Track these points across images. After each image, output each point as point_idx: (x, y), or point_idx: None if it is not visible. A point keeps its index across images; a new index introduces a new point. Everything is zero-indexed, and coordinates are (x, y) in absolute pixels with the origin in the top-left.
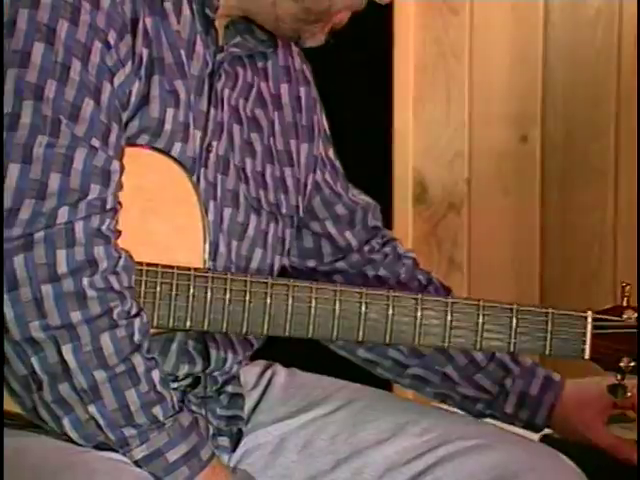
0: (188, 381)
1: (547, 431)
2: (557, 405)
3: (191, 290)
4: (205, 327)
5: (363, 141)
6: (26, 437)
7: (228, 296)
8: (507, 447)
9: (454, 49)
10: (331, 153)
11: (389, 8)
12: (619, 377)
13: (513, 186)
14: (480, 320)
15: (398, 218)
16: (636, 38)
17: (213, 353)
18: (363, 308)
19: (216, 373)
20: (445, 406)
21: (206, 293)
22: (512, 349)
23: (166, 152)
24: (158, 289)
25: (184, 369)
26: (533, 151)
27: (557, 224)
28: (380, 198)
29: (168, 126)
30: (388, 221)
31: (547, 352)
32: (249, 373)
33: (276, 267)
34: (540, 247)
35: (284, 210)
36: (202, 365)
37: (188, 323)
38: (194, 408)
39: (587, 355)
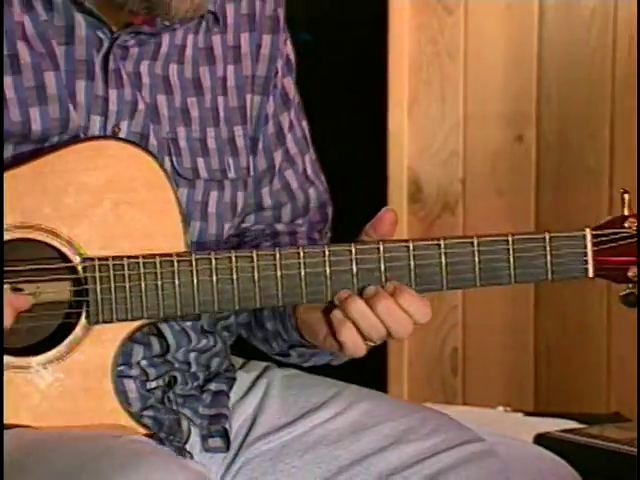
0: (165, 379)
1: (541, 430)
2: (297, 315)
3: (176, 276)
4: (197, 310)
5: (358, 141)
6: (36, 433)
7: (215, 276)
8: (510, 453)
9: (449, 49)
10: (283, 118)
11: (384, 8)
12: (630, 286)
13: (508, 186)
14: (476, 258)
15: None
16: (630, 39)
17: (167, 330)
18: (354, 263)
19: (194, 368)
20: (442, 408)
21: (192, 277)
22: (514, 280)
23: (129, 140)
24: (143, 281)
25: (139, 353)
26: (528, 151)
27: (552, 224)
28: (375, 197)
29: (36, 126)
30: None
31: (550, 277)
32: (242, 378)
33: (226, 234)
34: None
35: (231, 174)
36: (160, 345)
37: (179, 309)
38: (175, 407)
39: (591, 273)
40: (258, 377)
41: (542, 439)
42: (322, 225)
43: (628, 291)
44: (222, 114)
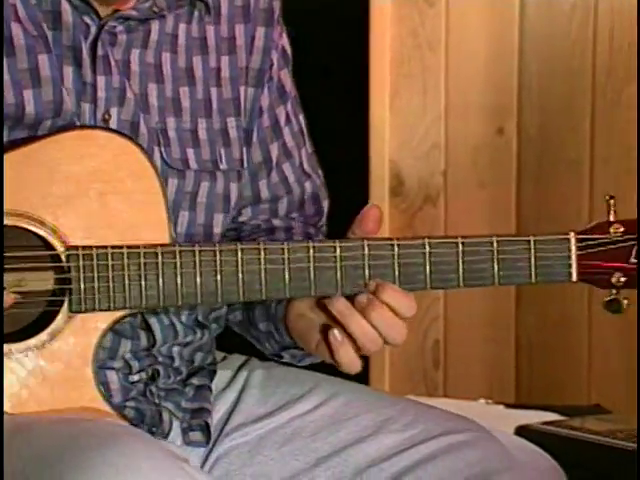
0: (148, 373)
1: (522, 422)
2: (287, 316)
3: (160, 267)
4: (179, 302)
5: (340, 134)
6: (14, 417)
7: (198, 269)
8: (487, 444)
9: (430, 41)
10: (280, 111)
11: (365, 0)
12: (614, 292)
13: (489, 178)
14: (460, 259)
15: None
16: (610, 31)
17: (155, 324)
18: (339, 260)
19: (177, 362)
20: (424, 400)
21: (175, 268)
22: (497, 281)
23: (117, 131)
24: (126, 271)
25: (126, 346)
26: (509, 143)
27: (533, 216)
28: (357, 190)
29: (30, 109)
30: None
31: (533, 280)
32: (223, 371)
33: (218, 227)
34: None
35: (223, 165)
36: (147, 339)
37: (161, 301)
38: (157, 401)
39: (575, 277)
40: (239, 369)
41: (523, 431)
42: (317, 219)
43: (612, 297)
44: (215, 105)
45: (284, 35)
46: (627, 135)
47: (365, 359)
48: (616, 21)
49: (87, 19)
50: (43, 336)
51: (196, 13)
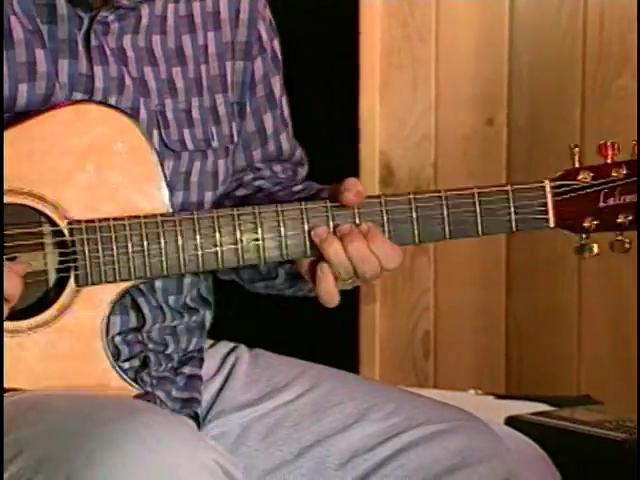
0: (140, 359)
1: (512, 413)
2: None
3: (161, 236)
4: (182, 270)
5: (330, 124)
6: (34, 393)
7: (198, 236)
8: (471, 432)
9: (420, 32)
10: (275, 81)
11: None
12: (584, 237)
13: (479, 169)
14: (445, 210)
15: None
16: (600, 21)
17: (144, 303)
18: (331, 220)
19: (171, 348)
20: (414, 391)
21: (176, 236)
22: (480, 232)
23: (109, 104)
24: (129, 242)
25: (115, 325)
26: (499, 134)
27: None
28: None
29: (22, 101)
30: None
31: (514, 229)
32: (212, 358)
33: (208, 205)
34: None
35: (215, 143)
36: (136, 319)
37: (165, 269)
38: (148, 389)
39: (552, 224)
40: (227, 355)
41: (513, 422)
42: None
43: (582, 242)
44: (205, 83)
45: (267, 7)
46: (617, 125)
47: (354, 350)
48: (606, 11)
49: (80, 11)
50: (51, 311)
51: None
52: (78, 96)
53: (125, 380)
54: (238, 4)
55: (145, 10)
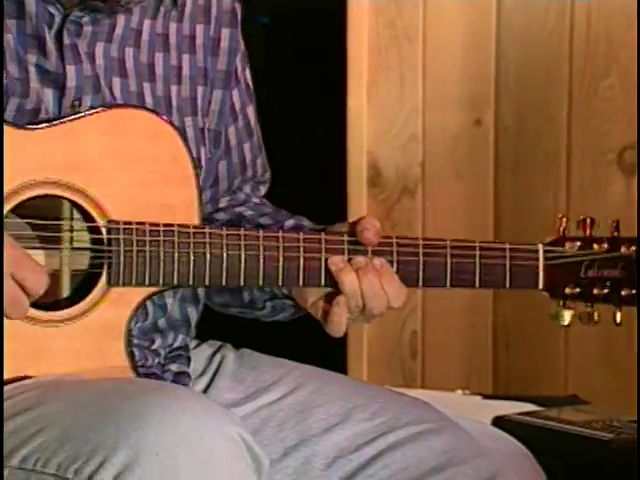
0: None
1: (499, 413)
2: None
3: (191, 247)
4: (207, 282)
5: (317, 124)
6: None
7: (225, 251)
8: (456, 432)
9: (407, 32)
10: (250, 110)
11: None
12: (561, 303)
13: (467, 169)
14: (449, 260)
15: (352, 201)
16: (587, 21)
17: None
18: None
19: (157, 344)
20: (402, 391)
21: (204, 249)
22: (478, 284)
23: (155, 111)
24: (162, 248)
25: None
26: (486, 134)
27: (510, 207)
28: (334, 181)
29: None
30: (342, 204)
31: (507, 285)
32: (198, 357)
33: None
34: (494, 229)
35: None
36: None
37: (190, 280)
38: None
39: (541, 285)
40: (213, 355)
41: (500, 422)
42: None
43: (556, 310)
44: (174, 103)
45: (247, 69)
46: (604, 125)
47: (342, 350)
48: (593, 11)
49: (51, 9)
50: (82, 306)
51: (162, 8)
52: (49, 92)
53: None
54: (218, 33)
55: (121, 20)
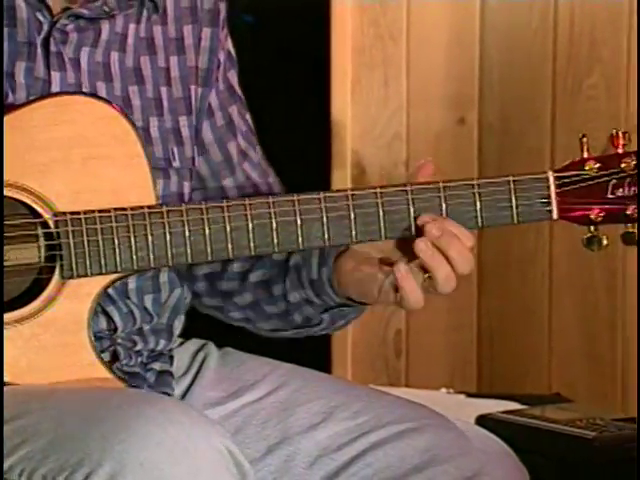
0: (110, 352)
1: (483, 412)
2: (336, 276)
3: (148, 228)
4: (170, 262)
5: (301, 123)
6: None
7: (187, 227)
8: (439, 430)
9: (391, 31)
10: (233, 109)
11: None
12: (592, 229)
13: (451, 168)
14: (443, 203)
15: None
16: (570, 20)
17: (114, 312)
18: (324, 212)
19: (139, 346)
20: (386, 390)
21: (164, 228)
22: (481, 223)
23: (95, 95)
24: (115, 234)
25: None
26: (470, 133)
27: None
28: (319, 180)
29: None
30: None
31: (515, 220)
32: (181, 355)
33: None
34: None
35: (176, 163)
36: (107, 324)
37: (151, 262)
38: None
39: (555, 215)
40: (196, 353)
41: (484, 420)
42: None
43: (591, 234)
44: (166, 104)
45: (229, 38)
46: (587, 124)
47: (326, 350)
48: (576, 10)
49: (40, 16)
50: (37, 304)
51: (145, 12)
52: None
53: (112, 372)
54: (200, 32)
55: (105, 25)
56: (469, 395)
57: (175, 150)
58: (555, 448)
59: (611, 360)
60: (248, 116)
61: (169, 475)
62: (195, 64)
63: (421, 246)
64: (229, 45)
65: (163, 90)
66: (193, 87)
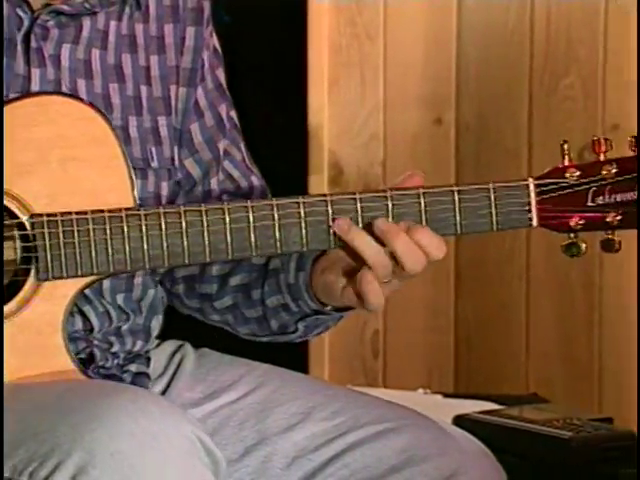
0: (85, 354)
1: (460, 412)
2: (313, 279)
3: (125, 231)
4: (147, 265)
5: (278, 123)
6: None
7: (164, 230)
8: (416, 430)
9: (368, 31)
10: (223, 108)
11: None
12: (572, 236)
13: (428, 168)
14: (422, 207)
15: None
16: (547, 20)
17: (90, 311)
18: (303, 217)
19: (116, 347)
20: (363, 391)
21: (141, 232)
22: (459, 230)
23: (75, 96)
24: (92, 236)
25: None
26: (447, 133)
27: None
28: (296, 180)
29: None
30: None
31: (495, 228)
32: (158, 357)
33: None
34: None
35: (154, 164)
36: (82, 324)
37: (128, 265)
38: None
39: (535, 223)
40: (173, 354)
41: (461, 421)
42: None
43: (570, 241)
44: (145, 103)
45: (214, 35)
46: (565, 123)
47: (304, 350)
48: (553, 10)
49: (20, 12)
50: (12, 305)
51: (127, 10)
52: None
53: (86, 374)
54: (183, 32)
55: (87, 22)
56: (446, 395)
57: (153, 150)
58: (532, 448)
59: (588, 360)
60: (233, 113)
61: (140, 465)
62: (176, 63)
63: (378, 223)
64: (215, 42)
65: (143, 89)
66: (173, 87)
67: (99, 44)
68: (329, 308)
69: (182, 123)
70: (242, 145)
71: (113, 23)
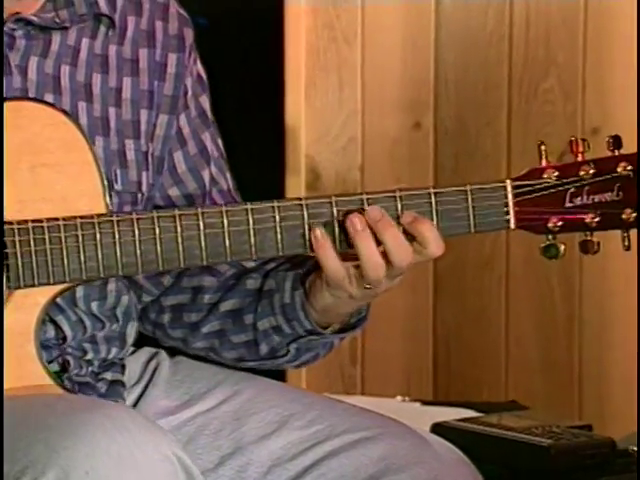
0: (59, 362)
1: (439, 419)
2: (309, 294)
3: (98, 237)
4: (120, 272)
5: (255, 128)
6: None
7: (137, 237)
8: (394, 439)
9: (346, 35)
10: (206, 136)
11: None
12: (550, 238)
13: (406, 172)
14: (399, 210)
15: None
16: (526, 22)
17: (63, 321)
18: (278, 222)
19: (90, 355)
20: (341, 398)
21: (114, 238)
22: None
23: (45, 101)
24: (64, 244)
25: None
26: (426, 137)
27: None
28: (273, 185)
29: None
30: None
31: (472, 230)
32: (133, 364)
33: None
34: None
35: (118, 186)
36: (55, 333)
37: (101, 272)
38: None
39: (513, 225)
40: (148, 362)
41: (439, 428)
42: None
43: (549, 243)
44: (113, 125)
45: (198, 62)
46: (543, 128)
47: None
48: (532, 14)
49: None
50: None
51: (102, 28)
52: None
53: (59, 385)
54: (165, 58)
55: (57, 37)
56: (424, 403)
57: (118, 172)
58: (511, 456)
59: (567, 367)
60: (220, 141)
61: None
62: (149, 88)
63: (353, 220)
64: (199, 69)
65: (111, 110)
66: (145, 112)
67: (69, 60)
68: (329, 331)
69: (162, 150)
70: (228, 174)
71: (86, 40)
